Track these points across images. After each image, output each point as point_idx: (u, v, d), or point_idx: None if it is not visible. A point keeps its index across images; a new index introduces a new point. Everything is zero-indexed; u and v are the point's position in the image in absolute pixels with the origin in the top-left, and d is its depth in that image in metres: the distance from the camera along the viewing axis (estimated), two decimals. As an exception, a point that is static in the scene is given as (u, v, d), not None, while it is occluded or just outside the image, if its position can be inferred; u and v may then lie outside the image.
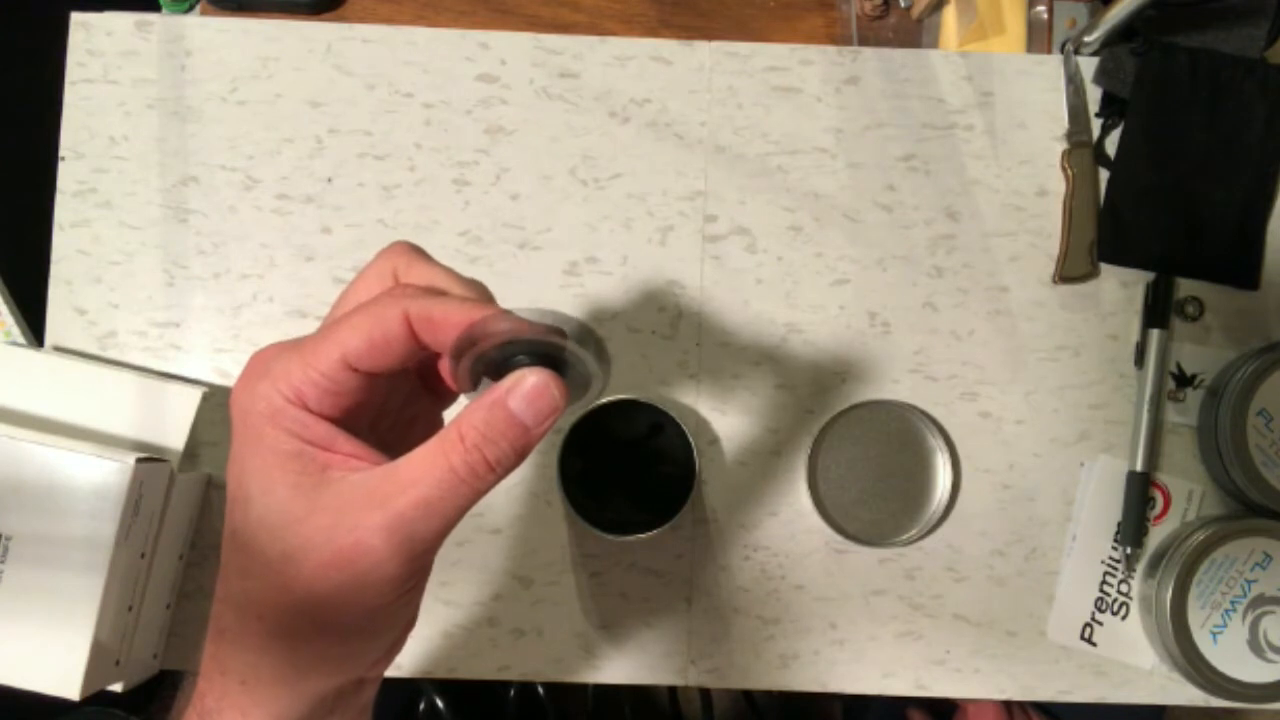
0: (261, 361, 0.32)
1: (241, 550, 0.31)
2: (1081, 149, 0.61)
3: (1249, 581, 0.56)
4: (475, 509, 0.58)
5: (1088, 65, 0.61)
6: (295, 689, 0.32)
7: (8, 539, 0.49)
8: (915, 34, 0.65)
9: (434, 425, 0.31)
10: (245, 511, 0.31)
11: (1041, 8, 0.64)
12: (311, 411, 0.31)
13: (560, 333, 0.30)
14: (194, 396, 0.58)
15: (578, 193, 0.61)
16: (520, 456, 0.31)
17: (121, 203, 0.60)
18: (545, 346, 0.31)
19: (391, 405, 0.36)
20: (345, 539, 0.29)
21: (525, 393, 0.30)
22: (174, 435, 0.58)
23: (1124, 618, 0.59)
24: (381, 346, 0.31)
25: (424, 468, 0.30)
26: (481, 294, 0.34)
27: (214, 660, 0.32)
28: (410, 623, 0.35)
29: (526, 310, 0.31)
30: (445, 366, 0.32)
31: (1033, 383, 0.60)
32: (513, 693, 0.83)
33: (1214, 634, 0.55)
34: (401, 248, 0.34)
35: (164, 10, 0.63)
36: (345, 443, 0.31)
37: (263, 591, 0.31)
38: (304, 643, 0.31)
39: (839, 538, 0.58)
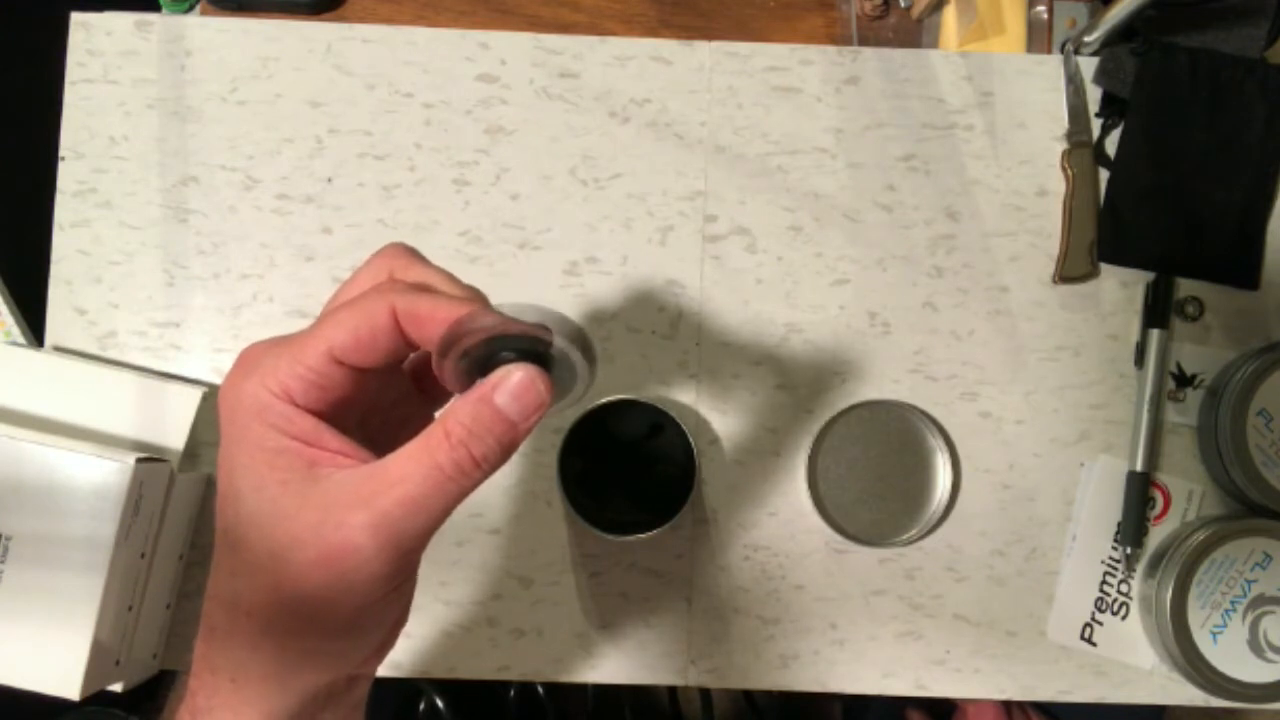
0: (249, 358, 0.32)
1: (232, 549, 0.31)
2: (1081, 149, 0.60)
3: (1249, 581, 0.56)
4: (475, 509, 0.59)
5: (1088, 65, 0.61)
6: (285, 686, 0.32)
7: (8, 539, 0.49)
8: (915, 34, 0.65)
9: (425, 426, 0.31)
10: (236, 509, 0.31)
11: (1041, 8, 0.64)
12: (298, 406, 0.31)
13: (545, 328, 0.30)
14: (194, 396, 0.58)
15: (578, 193, 0.61)
16: (507, 452, 0.31)
17: (121, 203, 0.60)
18: (531, 342, 0.31)
19: (382, 404, 0.36)
20: (332, 536, 0.29)
21: (511, 388, 0.30)
22: (174, 435, 0.58)
23: (1124, 618, 0.59)
24: (368, 341, 0.31)
25: (410, 465, 0.30)
26: (475, 297, 0.33)
27: (204, 659, 0.32)
28: (401, 620, 0.35)
29: (513, 306, 0.31)
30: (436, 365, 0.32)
31: (1033, 383, 0.60)
32: (513, 693, 0.83)
33: (1214, 634, 0.55)
34: (397, 249, 0.34)
35: (164, 10, 0.63)
36: (332, 439, 0.31)
37: (252, 589, 0.31)
38: (293, 640, 0.31)
39: (839, 538, 0.58)
